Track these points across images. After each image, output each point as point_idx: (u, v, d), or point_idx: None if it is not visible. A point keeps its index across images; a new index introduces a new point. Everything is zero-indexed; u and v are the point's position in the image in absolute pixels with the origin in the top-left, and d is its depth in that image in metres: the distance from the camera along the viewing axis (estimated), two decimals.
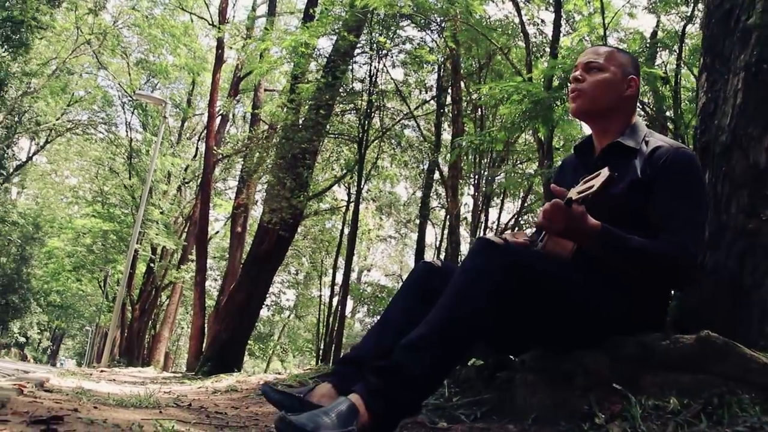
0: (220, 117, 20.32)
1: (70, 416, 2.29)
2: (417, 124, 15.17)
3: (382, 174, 17.36)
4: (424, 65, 13.58)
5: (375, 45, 12.34)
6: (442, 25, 11.62)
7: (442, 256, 14.76)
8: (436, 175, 14.81)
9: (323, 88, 11.34)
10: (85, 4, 21.59)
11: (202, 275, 15.50)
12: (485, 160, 13.68)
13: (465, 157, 12.52)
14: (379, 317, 2.57)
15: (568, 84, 3.14)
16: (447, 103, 14.10)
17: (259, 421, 2.95)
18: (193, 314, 15.91)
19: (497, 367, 2.75)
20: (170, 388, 5.97)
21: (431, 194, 15.55)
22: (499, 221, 16.45)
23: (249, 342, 16.89)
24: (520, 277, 2.05)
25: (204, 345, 13.55)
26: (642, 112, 9.20)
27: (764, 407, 1.88)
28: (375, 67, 12.77)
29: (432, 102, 14.95)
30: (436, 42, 13.01)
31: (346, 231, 16.06)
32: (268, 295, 16.85)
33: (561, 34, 9.37)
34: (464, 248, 12.60)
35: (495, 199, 15.69)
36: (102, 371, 9.93)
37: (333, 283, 18.68)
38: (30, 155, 30.46)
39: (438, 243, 18.80)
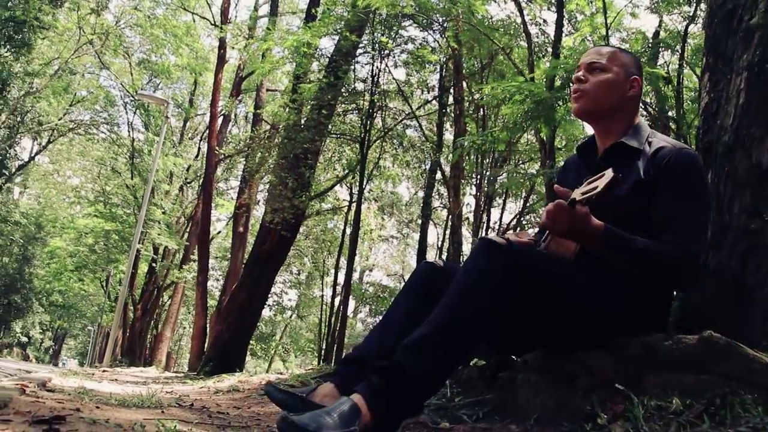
0: (222, 117, 20.34)
1: (72, 416, 2.29)
2: (419, 124, 15.16)
3: (384, 174, 17.35)
4: (426, 65, 13.57)
5: (377, 45, 12.34)
6: (444, 25, 11.62)
7: (443, 257, 14.75)
8: (438, 175, 14.82)
9: (325, 88, 11.34)
10: (88, 4, 21.59)
11: (204, 275, 15.50)
12: (487, 160, 13.67)
13: (467, 157, 12.52)
14: (381, 317, 2.57)
15: (571, 84, 3.14)
16: (449, 103, 14.09)
17: (261, 421, 2.95)
18: (195, 314, 15.91)
19: (499, 367, 2.74)
20: (172, 388, 5.98)
21: (433, 194, 15.56)
22: (501, 221, 16.42)
23: (251, 342, 16.89)
24: (523, 277, 2.05)
25: (206, 345, 13.55)
26: (644, 112, 9.18)
27: (767, 408, 1.88)
28: (377, 67, 12.78)
29: (434, 102, 14.94)
30: (438, 42, 13.01)
31: (348, 231, 16.05)
32: (270, 295, 16.87)
33: (563, 34, 9.36)
34: (466, 248, 12.61)
35: (497, 199, 15.66)
36: (104, 371, 9.95)
37: (335, 283, 18.65)
38: (32, 155, 30.47)
39: (440, 243, 18.82)
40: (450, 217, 13.05)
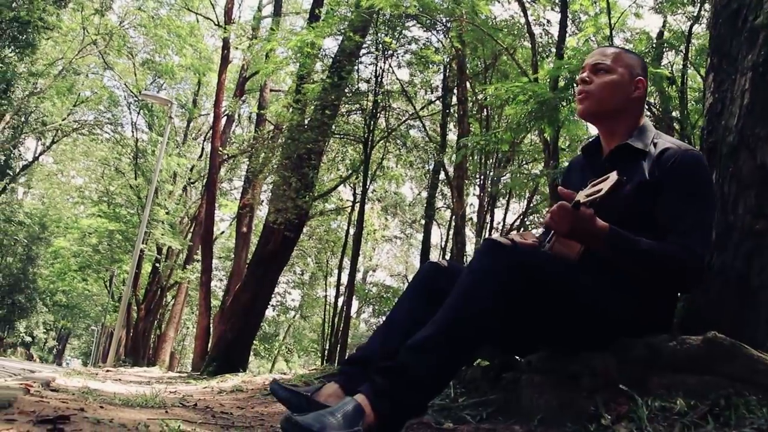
0: (225, 117, 20.32)
1: (76, 416, 2.29)
2: (422, 124, 15.15)
3: (387, 174, 17.34)
4: (430, 65, 13.56)
5: (381, 45, 12.34)
6: (448, 25, 11.63)
7: (447, 257, 14.74)
8: (442, 176, 14.81)
9: (329, 89, 11.34)
10: (92, 5, 21.63)
11: (208, 275, 15.51)
12: (491, 161, 13.66)
13: (470, 158, 12.51)
14: (384, 317, 2.57)
15: (574, 85, 3.14)
16: (453, 103, 14.09)
17: (265, 421, 2.95)
18: (199, 314, 15.93)
19: (503, 367, 2.74)
20: (176, 388, 5.98)
21: (437, 194, 15.56)
22: (504, 222, 16.42)
23: (254, 342, 16.88)
24: (528, 277, 2.04)
25: (209, 345, 13.57)
26: (648, 113, 9.17)
27: None
28: (380, 68, 12.77)
29: (437, 102, 14.94)
30: (441, 42, 13.01)
31: (352, 231, 16.05)
32: (273, 296, 16.86)
33: (567, 35, 9.35)
34: (469, 249, 12.60)
35: (500, 199, 15.65)
36: (108, 371, 9.95)
37: (338, 284, 18.67)
38: (36, 155, 30.54)
39: (443, 243, 18.78)
40: (453, 217, 13.05)
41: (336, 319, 16.89)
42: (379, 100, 12.62)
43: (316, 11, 12.39)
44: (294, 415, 1.76)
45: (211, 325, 14.72)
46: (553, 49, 10.49)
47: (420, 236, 19.04)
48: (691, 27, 9.03)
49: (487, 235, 12.03)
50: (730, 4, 2.92)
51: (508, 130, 9.03)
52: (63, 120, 26.32)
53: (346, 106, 13.06)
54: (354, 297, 16.20)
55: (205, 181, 21.69)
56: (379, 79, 12.75)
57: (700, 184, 2.24)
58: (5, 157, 26.01)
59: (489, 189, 13.32)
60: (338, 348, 13.63)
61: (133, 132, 25.99)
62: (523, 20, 11.08)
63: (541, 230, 2.62)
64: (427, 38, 13.37)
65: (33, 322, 42.15)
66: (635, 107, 2.46)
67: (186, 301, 25.97)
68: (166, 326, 24.73)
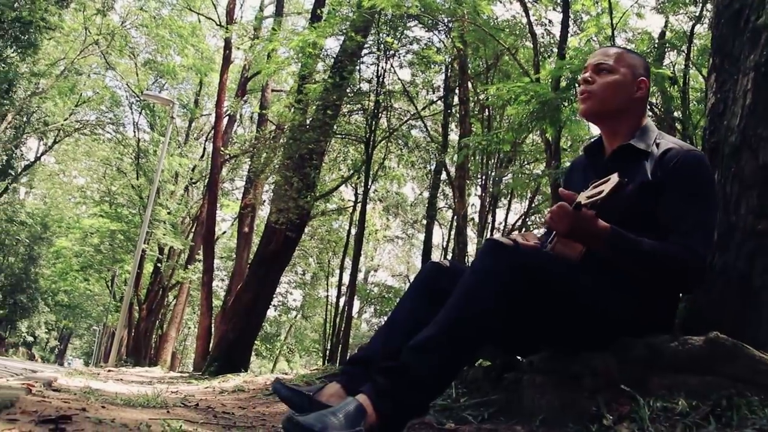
0: (227, 117, 20.34)
1: (78, 416, 2.29)
2: (424, 124, 15.15)
3: (389, 174, 17.34)
4: (432, 66, 13.56)
5: (382, 45, 12.33)
6: (450, 25, 11.62)
7: (449, 257, 14.74)
8: (443, 176, 14.80)
9: (330, 89, 11.34)
10: (94, 5, 21.65)
11: (209, 275, 15.51)
12: (492, 161, 13.66)
13: (472, 158, 12.52)
14: (386, 317, 2.57)
15: (576, 85, 3.13)
16: (454, 103, 14.09)
17: (267, 421, 2.95)
18: (200, 314, 15.93)
19: (505, 367, 2.74)
20: (177, 388, 5.99)
21: (438, 195, 15.55)
22: (506, 222, 16.41)
23: (256, 342, 16.90)
24: (529, 278, 2.05)
25: (211, 345, 13.56)
26: (650, 113, 9.16)
27: None
28: (382, 68, 12.76)
29: (439, 102, 14.93)
30: (443, 42, 13.00)
31: (353, 231, 16.07)
32: (275, 296, 16.88)
33: (569, 35, 9.34)
34: (471, 249, 12.59)
35: (502, 199, 15.66)
36: (109, 371, 9.96)
37: (340, 284, 18.68)
38: (38, 155, 30.55)
39: (445, 244, 18.77)
40: (455, 217, 13.05)
41: (337, 320, 16.90)
42: (380, 100, 12.61)
43: (318, 11, 12.38)
44: (296, 415, 1.77)
45: (212, 325, 14.73)
46: (555, 49, 10.49)
47: (421, 236, 19.07)
48: (693, 27, 9.02)
49: (488, 236, 12.05)
50: (732, 4, 2.91)
51: (510, 131, 9.02)
52: (65, 120, 26.35)
53: (348, 106, 13.05)
54: (355, 297, 16.19)
55: (206, 181, 21.68)
56: (380, 79, 12.74)
57: (702, 185, 2.24)
58: (7, 157, 26.02)
59: (491, 189, 13.33)
60: (340, 348, 13.64)
61: (134, 132, 26.04)
62: (524, 20, 11.07)
63: (543, 231, 2.62)
64: (429, 38, 13.38)
65: (35, 322, 42.19)
66: (637, 107, 2.46)
67: (188, 301, 25.96)
68: (168, 326, 24.73)
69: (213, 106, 22.49)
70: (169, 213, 22.85)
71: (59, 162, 32.46)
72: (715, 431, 1.84)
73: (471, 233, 14.24)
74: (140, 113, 25.92)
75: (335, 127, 12.63)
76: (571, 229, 2.11)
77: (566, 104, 7.25)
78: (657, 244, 2.13)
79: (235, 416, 3.16)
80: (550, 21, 12.41)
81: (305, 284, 27.01)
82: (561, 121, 7.61)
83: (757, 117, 2.59)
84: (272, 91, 18.18)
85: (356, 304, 20.96)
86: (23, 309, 37.31)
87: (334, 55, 12.33)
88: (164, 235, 21.81)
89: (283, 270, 13.92)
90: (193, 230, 25.27)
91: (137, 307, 24.88)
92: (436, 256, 18.47)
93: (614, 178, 2.01)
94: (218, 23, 20.96)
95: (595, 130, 2.63)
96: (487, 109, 13.06)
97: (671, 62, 10.30)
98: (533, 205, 15.65)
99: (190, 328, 34.10)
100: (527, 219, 15.68)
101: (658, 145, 2.35)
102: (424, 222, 16.57)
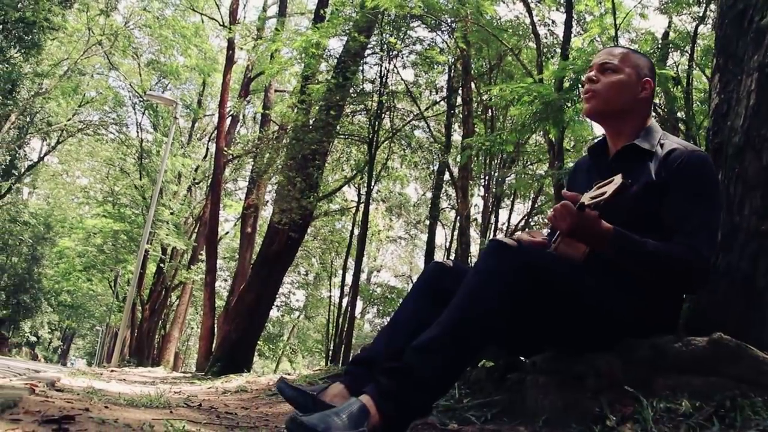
0: (230, 118, 20.37)
1: (81, 416, 2.29)
2: (427, 124, 15.16)
3: (392, 175, 17.36)
4: (435, 66, 13.57)
5: (385, 46, 12.34)
6: (453, 25, 11.62)
7: (451, 258, 14.74)
8: (446, 176, 14.82)
9: (334, 89, 11.35)
10: (97, 5, 21.67)
11: (212, 275, 15.53)
12: (495, 161, 13.67)
13: (475, 158, 12.51)
14: (389, 318, 2.57)
15: (580, 85, 3.13)
16: (457, 103, 14.09)
17: (269, 421, 2.95)
18: (203, 314, 15.94)
19: (508, 368, 2.74)
20: (180, 388, 5.99)
21: (441, 195, 15.56)
22: (509, 222, 16.44)
23: (258, 342, 16.91)
24: (533, 278, 2.04)
25: (214, 345, 13.58)
26: (653, 113, 9.16)
27: None
28: (385, 68, 12.78)
29: (442, 103, 14.94)
30: (446, 43, 13.00)
31: (356, 232, 16.07)
32: (277, 296, 16.88)
33: (572, 35, 9.34)
34: (474, 249, 12.60)
35: (505, 200, 15.68)
36: (112, 371, 9.97)
37: (343, 284, 18.70)
38: (41, 155, 30.60)
39: (448, 244, 18.81)
40: (458, 218, 13.04)
41: (340, 320, 16.91)
42: (383, 101, 12.62)
43: (321, 12, 12.41)
44: (299, 415, 1.77)
45: (215, 326, 14.74)
46: (558, 50, 10.49)
47: (424, 237, 19.04)
48: (696, 27, 9.02)
49: (491, 236, 12.05)
50: (736, 4, 2.91)
51: (513, 131, 9.01)
52: (68, 120, 26.40)
53: (351, 106, 13.07)
54: (358, 297, 16.20)
55: (209, 181, 21.71)
56: (383, 80, 12.76)
57: (706, 185, 2.23)
58: (11, 157, 26.08)
59: (494, 190, 13.33)
60: (342, 348, 13.65)
61: (138, 132, 26.10)
62: (528, 21, 11.08)
63: (546, 231, 2.62)
64: (432, 39, 13.40)
65: (38, 322, 42.27)
66: (642, 108, 2.45)
67: (190, 301, 26.00)
68: (171, 326, 24.77)
69: (216, 106, 22.56)
70: (172, 213, 22.89)
71: (62, 162, 32.55)
72: None
73: (474, 234, 14.25)
74: (143, 113, 25.99)
75: (338, 127, 12.64)
76: (573, 228, 2.11)
77: (569, 105, 7.25)
78: (661, 244, 2.13)
79: (238, 416, 3.16)
80: (553, 21, 12.39)
81: (308, 285, 27.04)
82: (564, 122, 7.61)
83: (760, 118, 2.59)
84: (275, 91, 18.19)
85: (359, 304, 20.98)
86: (26, 309, 37.37)
87: (337, 56, 12.34)
88: (167, 235, 21.84)
89: (286, 270, 13.93)
90: (196, 230, 25.31)
91: (140, 308, 24.93)
92: (439, 256, 18.46)
93: (618, 179, 2.01)
94: (221, 23, 20.96)
95: (599, 131, 2.62)
96: (490, 110, 13.07)
97: (675, 63, 10.30)
98: (536, 205, 15.66)
99: (193, 328, 34.14)
100: (530, 219, 15.68)
101: (662, 145, 2.34)
102: (427, 222, 16.59)
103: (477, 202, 15.08)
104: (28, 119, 24.78)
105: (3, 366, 8.69)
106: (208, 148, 26.92)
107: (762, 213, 2.48)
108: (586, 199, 2.10)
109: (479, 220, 14.05)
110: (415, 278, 2.66)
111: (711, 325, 2.26)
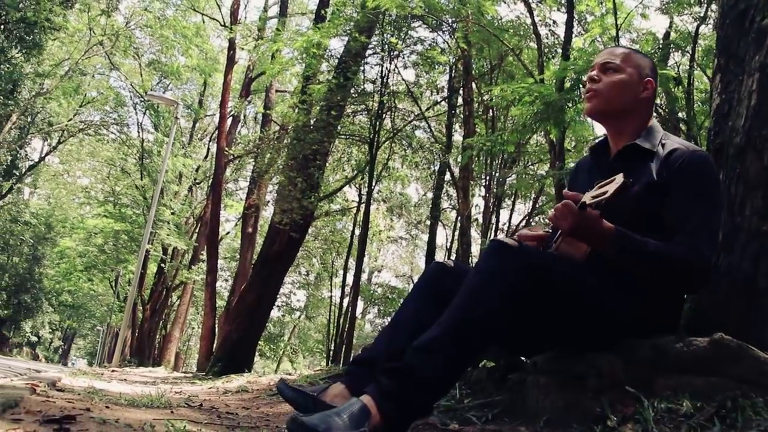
0: (231, 118, 20.38)
1: (82, 416, 2.29)
2: (428, 125, 15.16)
3: (393, 175, 17.36)
4: (436, 66, 13.57)
5: (386, 46, 12.34)
6: (454, 26, 11.61)
7: (452, 258, 14.73)
8: (447, 176, 14.82)
9: (334, 89, 11.35)
10: (98, 6, 21.68)
11: (213, 276, 15.53)
12: (496, 162, 13.67)
13: (476, 159, 12.50)
14: (390, 318, 2.57)
15: (581, 85, 3.13)
16: (458, 104, 14.08)
17: (270, 421, 2.95)
18: (204, 314, 15.94)
19: (509, 368, 2.74)
20: (181, 388, 5.99)
21: (442, 195, 15.56)
22: (510, 222, 16.43)
23: (259, 342, 16.92)
24: (534, 278, 2.04)
25: (214, 345, 13.58)
26: (654, 113, 9.15)
27: None
28: (386, 68, 12.77)
29: (443, 103, 14.93)
30: (447, 43, 13.00)
31: (357, 232, 16.07)
32: (278, 296, 16.88)
33: (573, 35, 9.34)
34: (475, 250, 12.61)
35: (506, 200, 15.67)
36: (113, 371, 9.97)
37: (343, 284, 18.68)
38: (42, 156, 30.64)
39: (449, 244, 18.81)
40: (459, 218, 13.04)
41: (341, 320, 16.89)
42: (384, 101, 12.62)
43: (322, 12, 12.41)
44: (300, 415, 1.76)
45: (216, 326, 14.75)
46: (559, 50, 10.49)
47: (425, 237, 19.04)
48: (697, 28, 9.02)
49: (492, 236, 12.03)
50: (738, 4, 2.90)
51: (514, 131, 9.02)
52: (69, 120, 26.42)
53: (352, 106, 13.07)
54: (359, 298, 16.20)
55: (210, 181, 21.73)
56: (384, 80, 12.75)
57: (707, 185, 2.23)
58: (12, 157, 26.10)
59: (495, 190, 13.32)
60: (343, 349, 13.64)
61: (138, 132, 26.10)
62: (529, 21, 11.08)
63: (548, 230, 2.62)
64: (433, 39, 13.39)
65: (39, 322, 42.29)
66: (643, 108, 2.45)
67: (191, 301, 26.02)
68: (172, 326, 24.78)
69: (217, 106, 22.53)
70: (173, 213, 22.90)
71: (63, 162, 32.56)
72: None
73: (475, 234, 14.24)
74: (144, 114, 26.00)
75: (339, 127, 12.65)
76: (574, 228, 2.11)
77: (570, 105, 7.25)
78: (662, 244, 2.13)
79: (239, 416, 3.16)
80: (554, 21, 12.38)
81: (309, 285, 27.04)
82: (565, 122, 7.61)
83: (762, 118, 2.59)
84: (276, 91, 18.19)
85: (360, 304, 20.99)
86: (27, 309, 37.39)
87: (338, 56, 12.35)
88: (168, 235, 21.85)
89: (287, 270, 13.93)
90: (196, 231, 25.31)
91: (141, 308, 24.94)
92: (439, 256, 18.46)
93: (619, 178, 2.00)
94: (222, 24, 20.96)
95: (600, 131, 2.62)
96: (491, 110, 13.06)
97: (676, 63, 10.30)
98: (537, 205, 15.64)
99: (193, 328, 34.16)
100: (531, 220, 15.66)
101: (663, 145, 2.34)
102: (428, 223, 16.59)
103: (478, 203, 15.08)
104: (29, 119, 24.80)
105: (4, 366, 8.70)
106: (209, 148, 26.93)
107: (763, 213, 2.48)
108: (587, 198, 2.10)
109: (480, 220, 14.04)
110: (416, 278, 2.66)
111: (712, 325, 2.26)
